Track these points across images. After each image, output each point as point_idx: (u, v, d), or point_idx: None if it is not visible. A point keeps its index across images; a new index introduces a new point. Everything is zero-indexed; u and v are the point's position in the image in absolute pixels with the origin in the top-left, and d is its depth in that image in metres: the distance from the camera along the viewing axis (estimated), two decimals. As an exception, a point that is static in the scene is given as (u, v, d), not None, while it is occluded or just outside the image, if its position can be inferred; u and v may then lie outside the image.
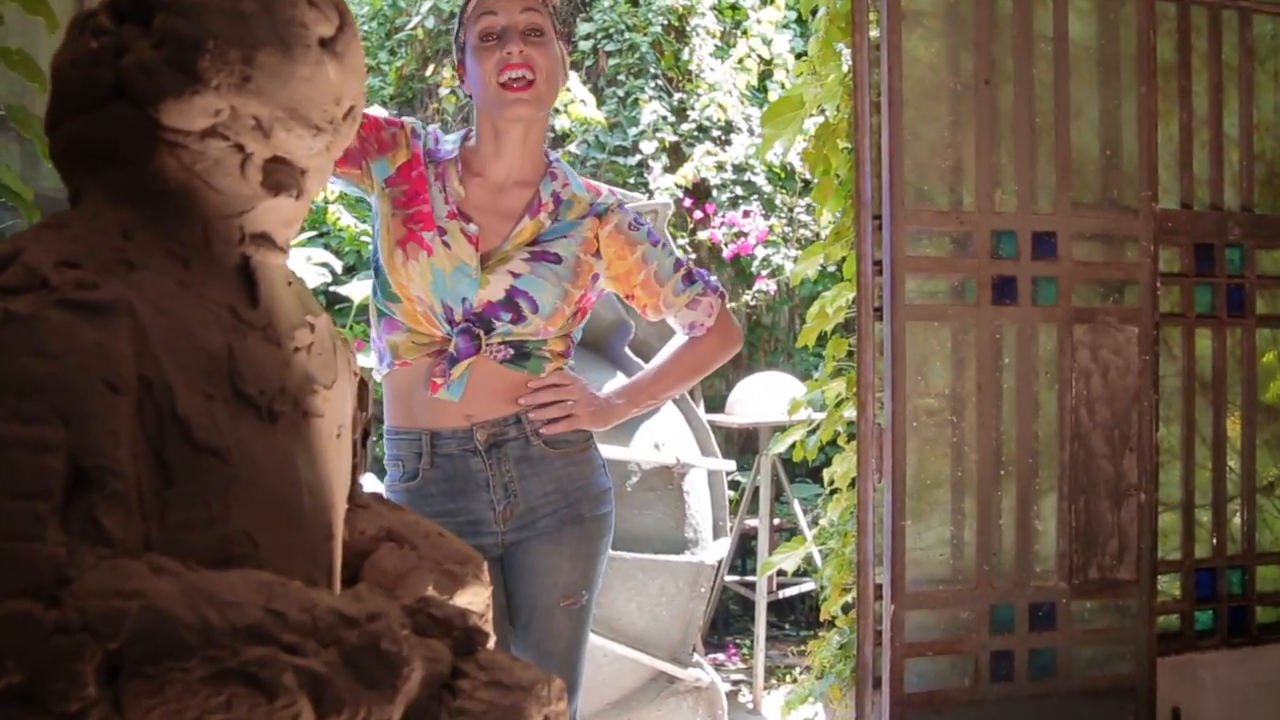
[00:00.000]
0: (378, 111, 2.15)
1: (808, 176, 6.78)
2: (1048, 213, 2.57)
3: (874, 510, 2.51)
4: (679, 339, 2.21)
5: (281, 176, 0.62)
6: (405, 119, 2.11)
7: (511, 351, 2.01)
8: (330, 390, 0.64)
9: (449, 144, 2.09)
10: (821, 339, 2.82)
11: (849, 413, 2.73)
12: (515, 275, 2.00)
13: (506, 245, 2.01)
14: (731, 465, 4.82)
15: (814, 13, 2.85)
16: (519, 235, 2.02)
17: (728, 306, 2.21)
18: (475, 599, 0.69)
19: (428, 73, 7.06)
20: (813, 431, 2.77)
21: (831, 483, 2.74)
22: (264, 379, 0.57)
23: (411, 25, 7.00)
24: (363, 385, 0.85)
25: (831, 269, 2.98)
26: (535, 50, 1.98)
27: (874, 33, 2.51)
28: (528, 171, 2.07)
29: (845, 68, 2.64)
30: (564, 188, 2.08)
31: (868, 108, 2.51)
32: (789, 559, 2.84)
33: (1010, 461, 2.55)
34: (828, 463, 2.89)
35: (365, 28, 7.21)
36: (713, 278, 2.18)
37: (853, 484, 2.69)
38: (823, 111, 2.70)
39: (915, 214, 2.49)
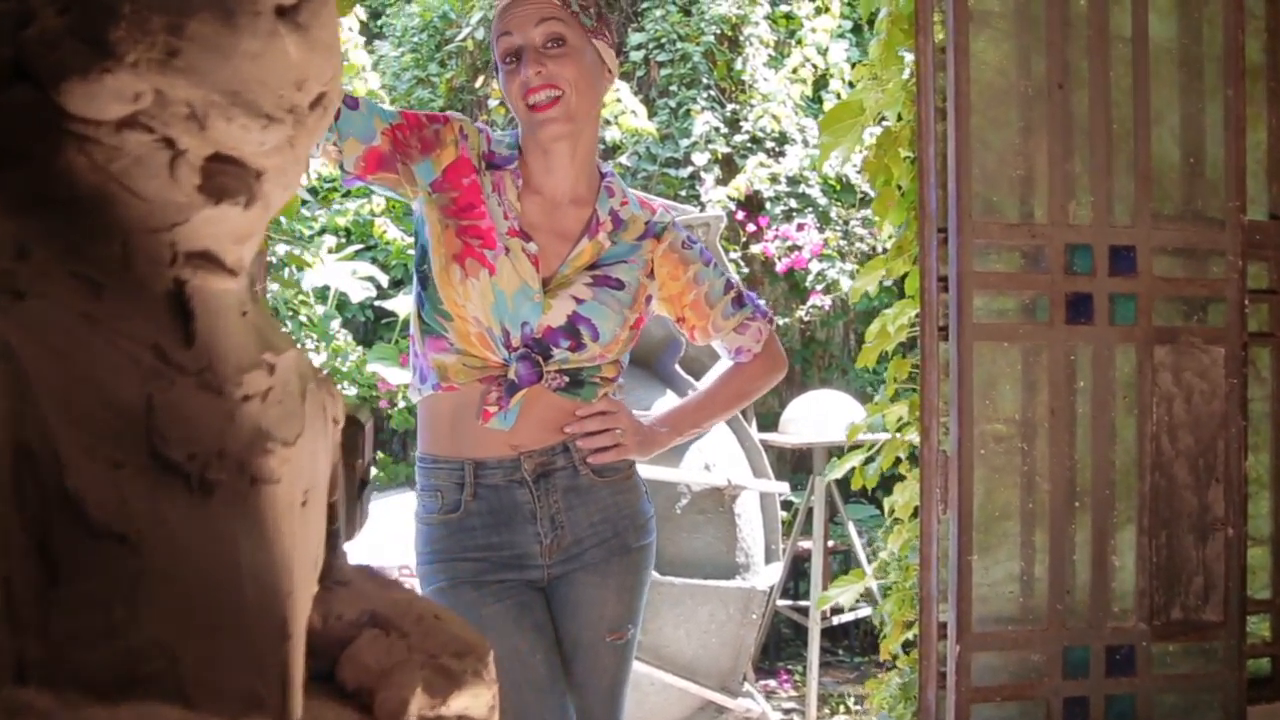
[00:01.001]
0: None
1: (865, 189, 6.63)
2: (1126, 225, 2.41)
3: (938, 543, 2.37)
4: (724, 364, 2.18)
5: (225, 179, 0.49)
6: (452, 114, 1.99)
7: (567, 380, 1.93)
8: (292, 448, 0.51)
9: (505, 148, 1.97)
10: (882, 359, 2.67)
11: (911, 437, 2.57)
12: (579, 301, 1.92)
13: (565, 268, 1.94)
14: (785, 488, 4.67)
15: (874, 16, 2.71)
16: (578, 257, 1.95)
17: (775, 332, 2.15)
18: (475, 701, 0.56)
19: (478, 84, 6.99)
20: (871, 458, 2.62)
21: (892, 512, 2.58)
22: (196, 439, 0.45)
23: (461, 36, 6.94)
24: (356, 427, 0.72)
25: (891, 284, 2.82)
26: (557, 63, 1.88)
27: (939, 35, 2.37)
28: (582, 188, 1.99)
29: (908, 72, 2.50)
30: (622, 205, 2.01)
31: (932, 114, 2.37)
32: (845, 593, 2.69)
33: (1085, 492, 2.39)
34: (885, 484, 2.74)
35: (415, 39, 7.15)
36: (761, 301, 2.13)
37: (915, 514, 2.53)
38: (884, 119, 2.55)
39: (983, 227, 2.35)
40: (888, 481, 2.76)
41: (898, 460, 2.56)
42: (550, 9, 1.90)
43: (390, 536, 3.44)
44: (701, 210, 5.79)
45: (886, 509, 2.60)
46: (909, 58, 2.58)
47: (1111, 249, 2.39)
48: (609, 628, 1.97)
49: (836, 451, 5.79)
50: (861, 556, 5.23)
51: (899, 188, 2.51)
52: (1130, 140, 2.42)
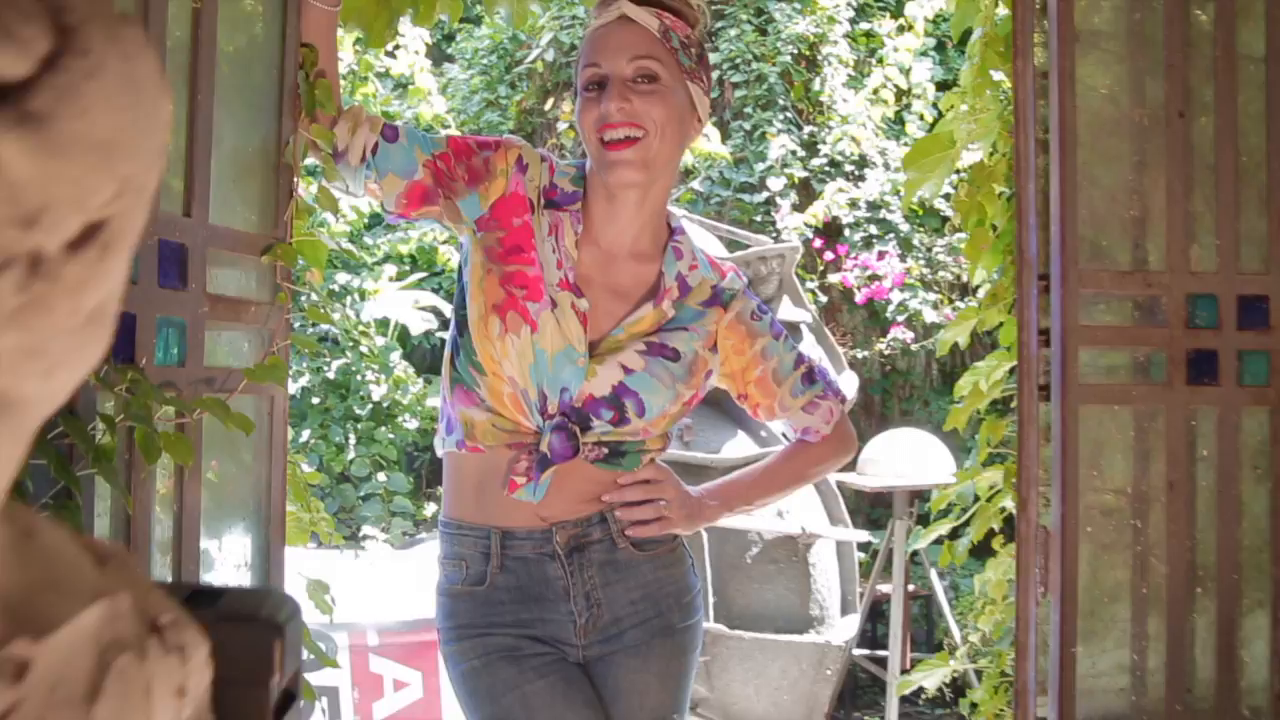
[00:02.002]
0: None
1: (950, 213, 6.32)
2: (1257, 272, 2.12)
3: (1036, 629, 2.11)
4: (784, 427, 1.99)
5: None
6: (510, 139, 1.79)
7: (606, 451, 1.74)
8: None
9: (570, 183, 1.77)
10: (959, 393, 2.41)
11: (1006, 503, 2.31)
12: (627, 371, 1.71)
13: (620, 331, 1.73)
14: (864, 535, 4.41)
15: (965, 36, 2.46)
16: (636, 324, 1.74)
17: (846, 412, 1.94)
18: None
19: (547, 106, 6.84)
20: (960, 528, 2.34)
21: (984, 592, 2.31)
22: None
23: (531, 58, 6.80)
24: (269, 634, 0.50)
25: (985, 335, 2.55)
26: (645, 101, 1.67)
27: (1040, 57, 2.12)
28: (645, 243, 1.78)
29: (1004, 99, 2.24)
30: (691, 270, 1.79)
31: (1032, 147, 2.12)
32: (930, 677, 2.42)
33: (1208, 574, 2.11)
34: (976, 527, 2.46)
35: (485, 62, 7.03)
36: (834, 378, 1.91)
37: (1010, 593, 2.26)
38: (976, 151, 2.30)
39: (1091, 274, 2.09)
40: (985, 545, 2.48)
41: (991, 532, 2.29)
42: (647, 43, 1.69)
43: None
44: (777, 239, 5.55)
45: (976, 586, 2.33)
46: (1004, 82, 2.33)
47: (1240, 299, 2.11)
48: (651, 717, 1.76)
49: (919, 496, 5.51)
50: (944, 604, 4.95)
51: (993, 228, 2.26)
52: (1261, 174, 2.14)
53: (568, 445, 1.68)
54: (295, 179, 1.78)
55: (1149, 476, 2.12)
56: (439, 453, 1.81)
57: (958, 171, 2.39)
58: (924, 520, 6.40)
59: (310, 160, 1.81)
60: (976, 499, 2.33)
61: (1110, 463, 2.13)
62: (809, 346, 4.59)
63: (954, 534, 2.43)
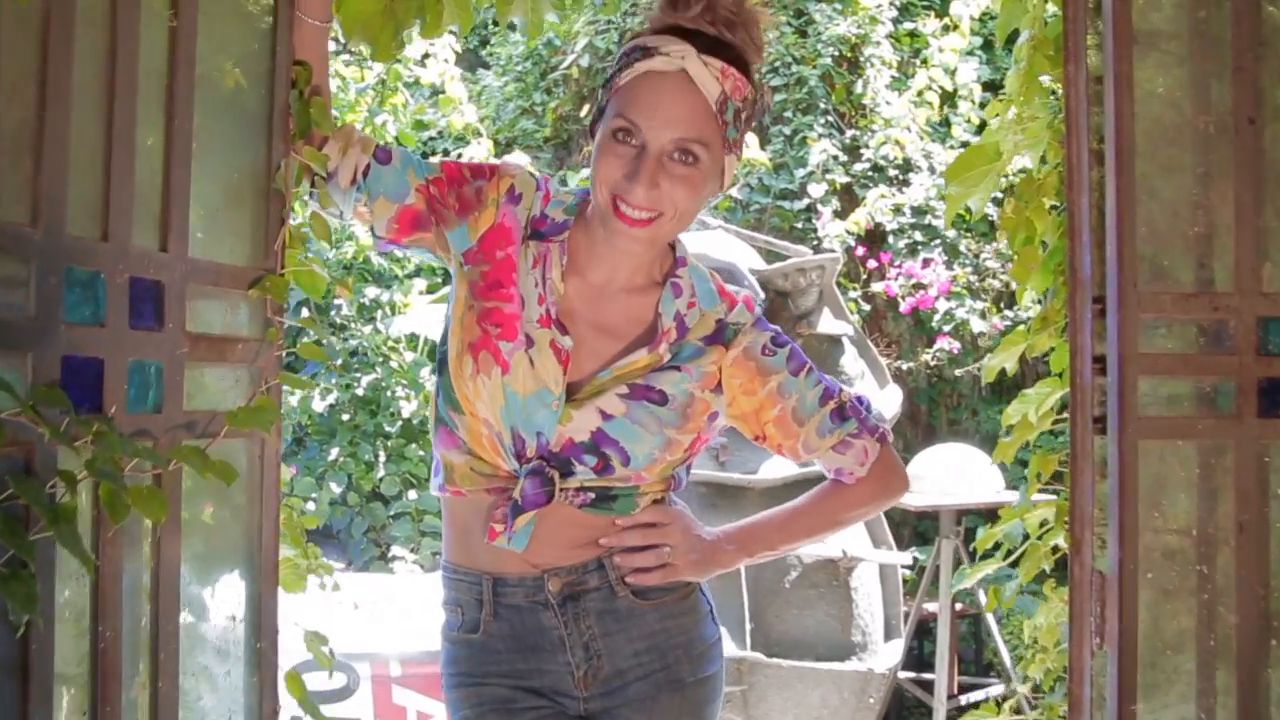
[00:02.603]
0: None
1: (998, 219, 6.12)
2: (1336, 292, 1.94)
3: (1091, 682, 1.96)
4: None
5: None
6: (506, 166, 1.65)
7: (592, 496, 1.59)
8: None
9: (562, 213, 1.62)
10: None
11: (1057, 541, 2.15)
12: (605, 416, 1.56)
13: (607, 374, 1.58)
14: (907, 559, 4.25)
15: (1012, 39, 2.30)
16: (627, 368, 1.58)
17: (891, 446, 1.71)
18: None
19: (583, 113, 6.72)
20: (1011, 567, 2.18)
21: (1034, 640, 2.14)
22: None
23: (566, 64, 6.69)
24: None
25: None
26: (674, 184, 1.48)
27: (1094, 60, 1.96)
28: (641, 277, 1.62)
29: (1055, 106, 2.08)
30: (689, 308, 1.62)
31: (1086, 158, 1.97)
32: (979, 724, 2.26)
33: (1283, 623, 1.93)
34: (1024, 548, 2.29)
35: (520, 68, 6.92)
36: (872, 413, 1.69)
37: (1063, 640, 2.10)
38: (1024, 156, 2.14)
39: (1151, 297, 1.93)
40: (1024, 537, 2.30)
41: (1042, 574, 2.13)
42: (700, 119, 1.47)
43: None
44: (818, 248, 5.38)
45: (1025, 633, 2.16)
46: (1054, 87, 2.16)
47: (1317, 323, 1.93)
48: None
49: (967, 516, 5.31)
50: (993, 624, 4.79)
51: (1043, 246, 2.09)
52: (1340, 186, 1.96)
53: (541, 491, 1.55)
54: (287, 206, 1.66)
55: (1216, 517, 1.96)
56: (433, 493, 1.70)
57: (1004, 185, 2.23)
58: (971, 538, 6.20)
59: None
60: (1026, 536, 2.17)
61: (1173, 501, 1.96)
62: (851, 360, 4.42)
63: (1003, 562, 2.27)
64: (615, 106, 1.49)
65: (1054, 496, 2.08)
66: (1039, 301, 2.15)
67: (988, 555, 2.21)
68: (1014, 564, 2.27)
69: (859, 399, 1.69)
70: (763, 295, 3.89)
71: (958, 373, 5.64)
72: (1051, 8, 2.14)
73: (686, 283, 1.62)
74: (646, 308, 1.60)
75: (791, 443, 1.65)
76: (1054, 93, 2.13)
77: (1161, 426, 1.94)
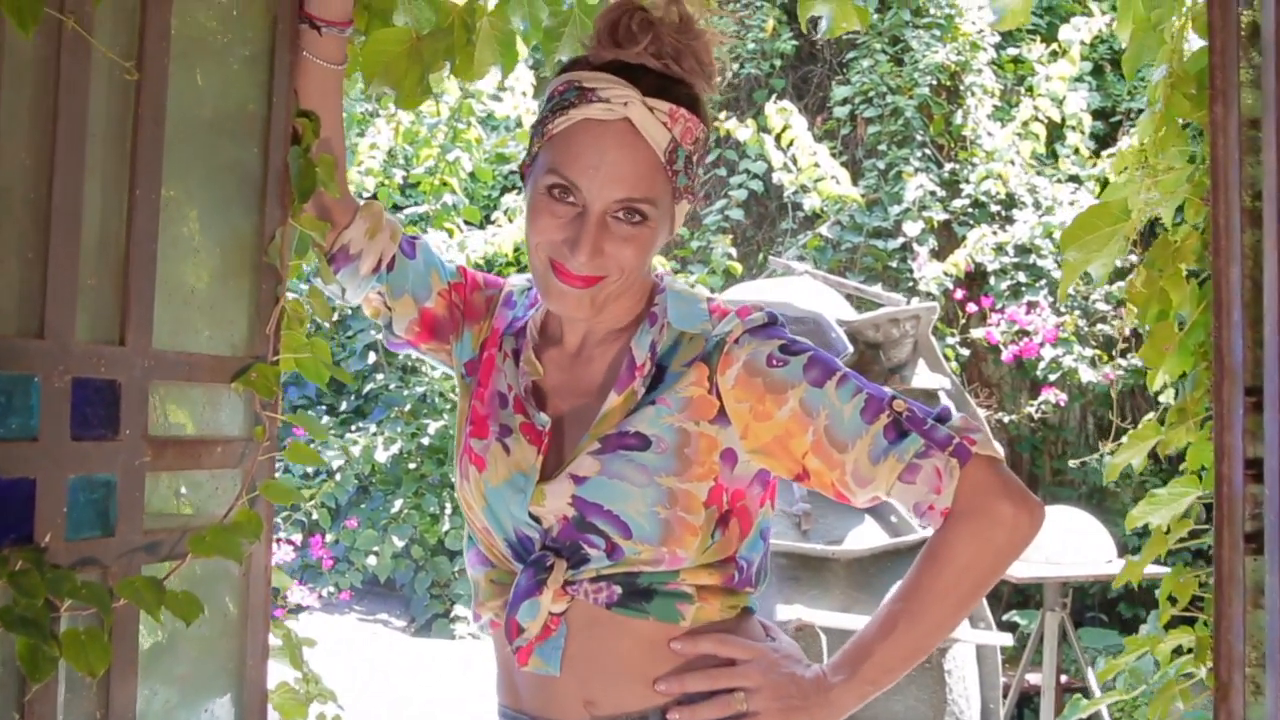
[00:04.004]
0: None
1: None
2: None
3: None
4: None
5: None
6: (516, 280, 1.53)
7: (619, 591, 1.29)
8: None
9: (527, 295, 1.47)
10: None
11: (1197, 672, 1.80)
12: (579, 480, 1.28)
13: (587, 437, 1.31)
14: (1007, 639, 3.88)
15: (1141, 73, 1.98)
16: (603, 419, 1.31)
17: (988, 458, 1.24)
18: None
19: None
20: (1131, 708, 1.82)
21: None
22: None
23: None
24: None
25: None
26: (619, 246, 1.26)
27: (1249, 100, 1.64)
28: (610, 323, 1.36)
29: (1196, 157, 1.76)
30: (662, 331, 1.33)
31: (1237, 218, 1.65)
32: None
33: None
34: (1134, 599, 1.93)
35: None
36: (949, 422, 1.26)
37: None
38: (1156, 224, 1.82)
39: (1320, 389, 1.58)
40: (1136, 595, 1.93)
41: (1176, 711, 1.78)
42: (648, 174, 1.26)
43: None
44: (913, 291, 5.05)
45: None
46: (1192, 131, 1.84)
47: None
48: None
49: (1075, 588, 4.90)
50: (1099, 694, 4.39)
51: (1180, 322, 1.76)
52: None
53: (533, 582, 1.28)
54: (282, 282, 1.42)
55: (1402, 659, 1.60)
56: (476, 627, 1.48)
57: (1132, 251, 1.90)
58: (1081, 607, 5.76)
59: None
60: (1156, 663, 1.83)
61: (1347, 638, 1.61)
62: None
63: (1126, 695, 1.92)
64: (549, 158, 1.27)
65: (1191, 625, 1.74)
66: (1172, 386, 1.82)
67: (1109, 687, 1.87)
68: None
69: (923, 407, 1.27)
70: (850, 349, 3.58)
71: (1063, 399, 5.23)
72: (1193, 37, 1.81)
73: (661, 308, 1.35)
74: (620, 352, 1.35)
75: (839, 474, 1.25)
76: (1196, 138, 1.80)
77: (1332, 547, 1.60)
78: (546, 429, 1.32)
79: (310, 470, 4.84)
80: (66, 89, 1.15)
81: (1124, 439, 1.88)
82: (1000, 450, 1.28)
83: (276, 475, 1.46)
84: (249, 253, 1.41)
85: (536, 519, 1.31)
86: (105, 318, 1.22)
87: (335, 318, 5.18)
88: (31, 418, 1.13)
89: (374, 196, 6.04)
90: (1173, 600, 1.75)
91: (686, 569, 1.28)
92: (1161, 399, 1.88)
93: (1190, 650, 1.78)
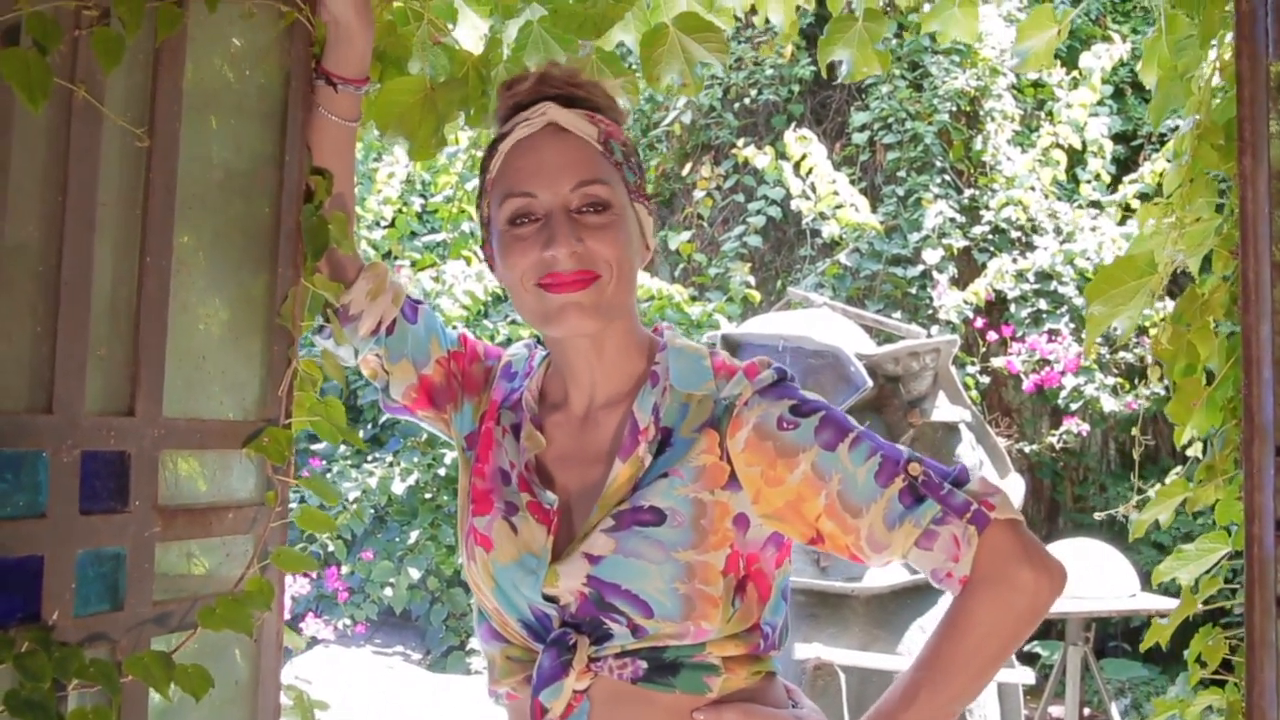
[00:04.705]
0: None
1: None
2: None
3: None
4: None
5: None
6: (514, 350, 1.49)
7: (644, 666, 1.25)
8: None
9: (525, 364, 1.45)
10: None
11: (1226, 731, 1.75)
12: (593, 559, 1.25)
13: (596, 510, 1.28)
14: (1029, 677, 3.82)
15: (1163, 107, 1.94)
16: (610, 490, 1.28)
17: (1007, 521, 1.21)
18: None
19: (685, 171, 6.47)
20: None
21: None
22: None
23: (669, 121, 6.45)
24: None
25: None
26: (597, 239, 1.26)
27: (1278, 151, 1.60)
28: (616, 383, 1.34)
29: (1223, 206, 1.73)
30: (664, 394, 1.31)
31: (1267, 272, 1.61)
32: None
33: None
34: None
35: (619, 90, 6.72)
36: (966, 486, 1.23)
37: None
38: (1182, 276, 1.78)
39: (1355, 450, 1.54)
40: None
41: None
42: (591, 160, 1.30)
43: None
44: (932, 320, 5.01)
45: None
46: (1218, 181, 1.80)
47: None
48: None
49: (1099, 622, 4.84)
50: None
51: (1207, 376, 1.73)
52: None
53: (558, 663, 1.25)
54: (295, 344, 1.41)
55: None
56: (490, 699, 1.44)
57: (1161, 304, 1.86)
58: (1104, 635, 5.68)
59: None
60: (1187, 723, 1.78)
61: (1384, 706, 1.57)
62: (968, 449, 4.03)
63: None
64: (498, 194, 1.31)
65: (1221, 685, 1.70)
66: (1201, 440, 1.78)
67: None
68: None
69: (940, 469, 1.25)
70: (869, 383, 3.54)
71: (1084, 429, 5.16)
72: (1219, 82, 1.79)
73: (663, 366, 1.33)
74: (623, 417, 1.32)
75: (853, 539, 1.23)
76: (1224, 190, 1.76)
77: (1368, 612, 1.55)
78: (554, 508, 1.29)
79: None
80: (77, 158, 1.14)
81: (1151, 491, 1.84)
82: (1019, 512, 1.25)
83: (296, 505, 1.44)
84: (260, 313, 1.39)
85: (552, 598, 1.28)
86: (115, 387, 1.21)
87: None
88: (39, 494, 1.11)
89: (392, 223, 6.04)
90: (1201, 663, 1.71)
91: (712, 640, 1.26)
92: (1189, 452, 1.84)
93: (1221, 712, 1.73)
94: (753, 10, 2.07)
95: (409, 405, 1.45)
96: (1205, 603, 1.79)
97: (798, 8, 2.11)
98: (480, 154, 1.81)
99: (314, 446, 5.06)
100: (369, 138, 1.75)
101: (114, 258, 1.20)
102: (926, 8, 2.16)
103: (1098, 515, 4.15)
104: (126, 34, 1.16)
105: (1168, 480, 1.77)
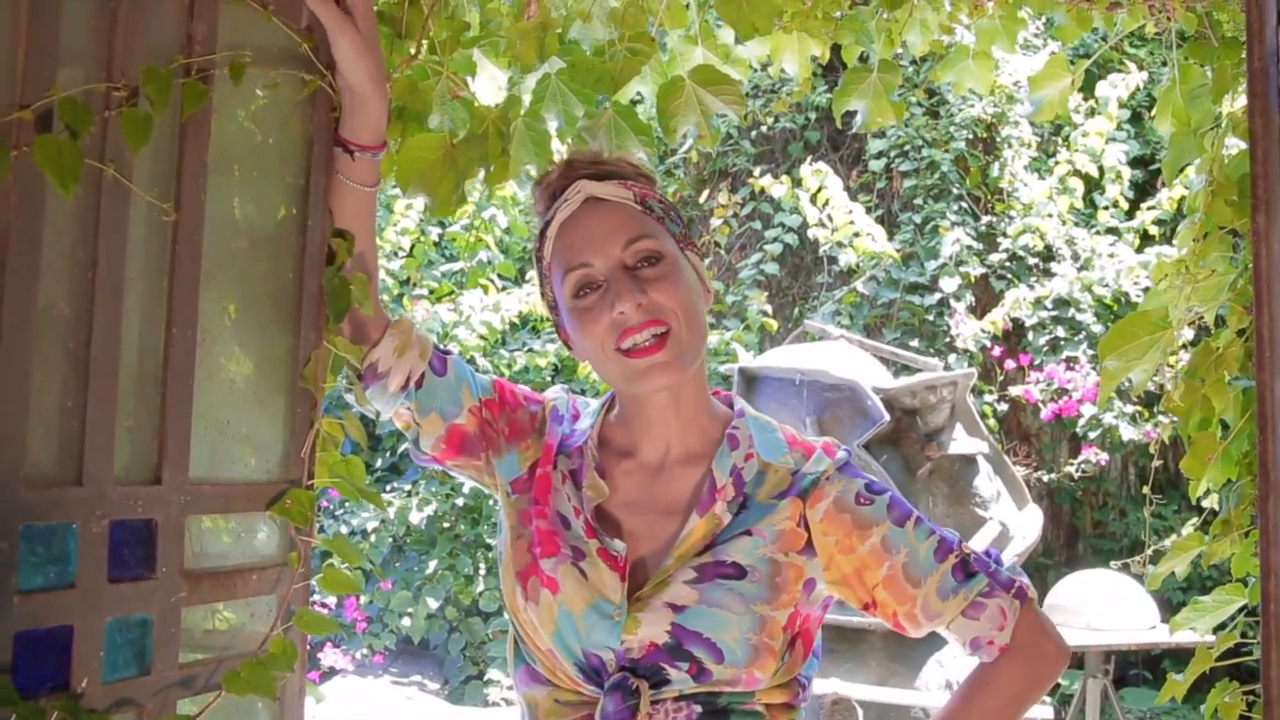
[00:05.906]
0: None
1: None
2: None
3: None
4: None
5: None
6: (553, 394, 1.55)
7: (699, 711, 1.33)
8: None
9: (586, 418, 1.49)
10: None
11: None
12: (678, 609, 1.32)
13: (669, 559, 1.36)
14: (1048, 714, 3.81)
15: (1179, 153, 1.95)
16: (685, 542, 1.36)
17: (1035, 605, 1.42)
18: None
19: (702, 198, 6.50)
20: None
21: None
22: None
23: (686, 148, 6.48)
24: None
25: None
26: (659, 290, 1.36)
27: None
28: (693, 441, 1.43)
29: (1236, 262, 1.73)
30: (747, 460, 1.41)
31: (1280, 329, 1.60)
32: None
33: None
34: (1179, 657, 1.87)
35: (641, 155, 6.76)
36: (1005, 566, 1.42)
37: None
38: (1199, 328, 1.78)
39: (1371, 508, 1.54)
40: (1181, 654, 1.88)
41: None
42: (634, 220, 1.40)
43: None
44: (949, 349, 5.01)
45: None
46: (1231, 235, 1.81)
47: None
48: None
49: (1118, 656, 4.81)
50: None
51: (1223, 428, 1.73)
52: None
53: (624, 707, 1.31)
54: (318, 406, 1.43)
55: None
56: None
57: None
58: (1124, 663, 5.64)
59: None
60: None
61: (1403, 764, 1.56)
62: (985, 481, 4.03)
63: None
64: (558, 274, 1.42)
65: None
66: (1215, 492, 1.78)
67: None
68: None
69: (987, 552, 1.44)
70: (886, 417, 3.55)
71: (1103, 459, 5.14)
72: (1233, 140, 1.79)
73: (744, 434, 1.43)
74: (703, 475, 1.40)
75: (908, 608, 1.37)
76: (1235, 243, 1.77)
77: (1386, 670, 1.55)
78: (623, 555, 1.35)
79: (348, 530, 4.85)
80: (106, 235, 1.16)
81: (1172, 542, 1.84)
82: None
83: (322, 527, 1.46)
84: (284, 375, 1.41)
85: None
86: (142, 456, 1.23)
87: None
88: (69, 565, 1.14)
89: (410, 253, 6.07)
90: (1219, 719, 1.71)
91: (761, 689, 1.34)
92: (1204, 503, 1.84)
93: (1239, 768, 1.73)
94: (768, 62, 2.09)
95: (438, 456, 1.48)
96: (1221, 656, 1.79)
97: (813, 58, 2.14)
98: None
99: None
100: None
101: (140, 329, 1.23)
102: (948, 38, 2.17)
103: (1115, 558, 4.14)
104: (155, 112, 1.18)
105: (1184, 531, 1.77)
